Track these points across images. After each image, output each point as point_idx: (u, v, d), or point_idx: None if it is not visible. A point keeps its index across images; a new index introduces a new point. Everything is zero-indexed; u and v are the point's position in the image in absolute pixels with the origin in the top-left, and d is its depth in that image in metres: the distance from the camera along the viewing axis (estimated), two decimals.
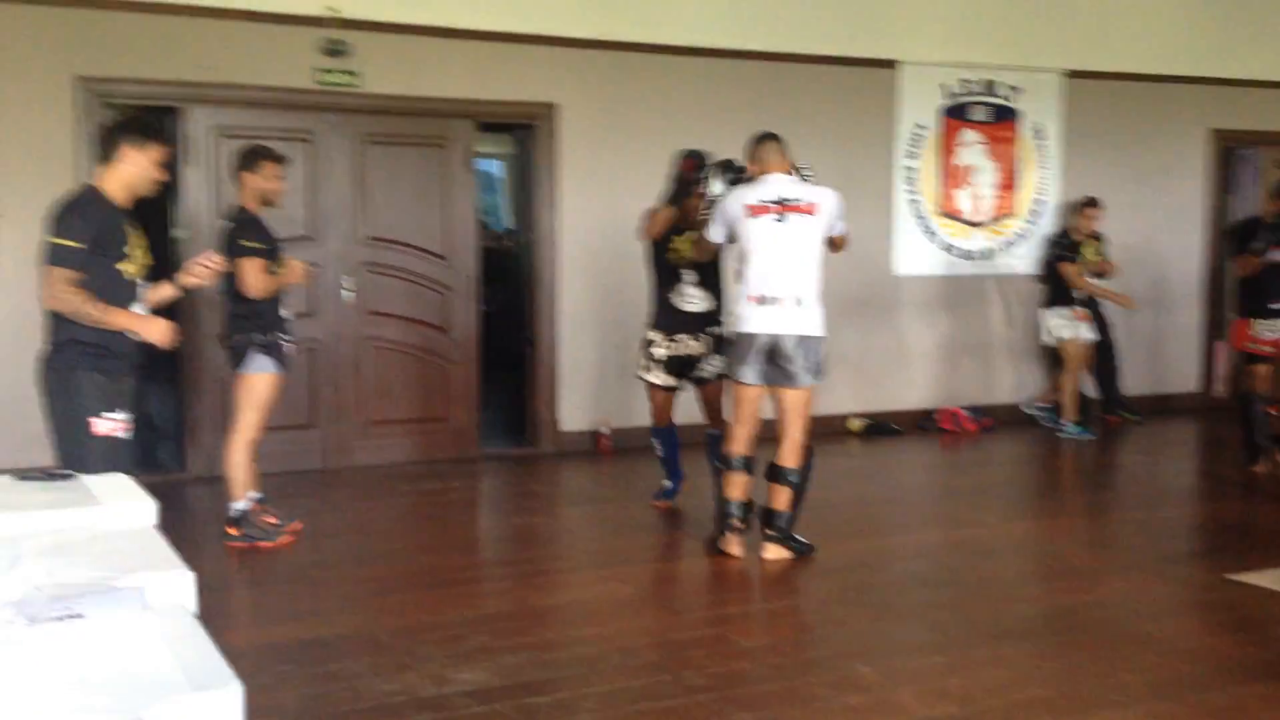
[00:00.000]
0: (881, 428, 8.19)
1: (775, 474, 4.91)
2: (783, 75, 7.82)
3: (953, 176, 8.48)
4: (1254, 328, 6.69)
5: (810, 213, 4.81)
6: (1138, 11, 8.75)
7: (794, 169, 5.00)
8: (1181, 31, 8.88)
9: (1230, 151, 9.36)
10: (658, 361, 5.62)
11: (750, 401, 4.95)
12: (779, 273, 4.79)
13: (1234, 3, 9.02)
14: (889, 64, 8.16)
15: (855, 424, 8.21)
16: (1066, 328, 8.16)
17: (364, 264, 6.99)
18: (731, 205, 4.91)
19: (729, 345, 5.07)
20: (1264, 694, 3.38)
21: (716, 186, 5.21)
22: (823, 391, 8.03)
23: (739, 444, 4.97)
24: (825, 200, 4.86)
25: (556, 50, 7.23)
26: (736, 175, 5.20)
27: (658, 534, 5.49)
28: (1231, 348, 7.16)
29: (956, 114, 8.42)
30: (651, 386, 5.69)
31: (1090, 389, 8.60)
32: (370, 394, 7.00)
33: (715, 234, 5.03)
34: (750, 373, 4.85)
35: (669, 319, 5.60)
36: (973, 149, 8.51)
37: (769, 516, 4.93)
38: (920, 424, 8.37)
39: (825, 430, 7.98)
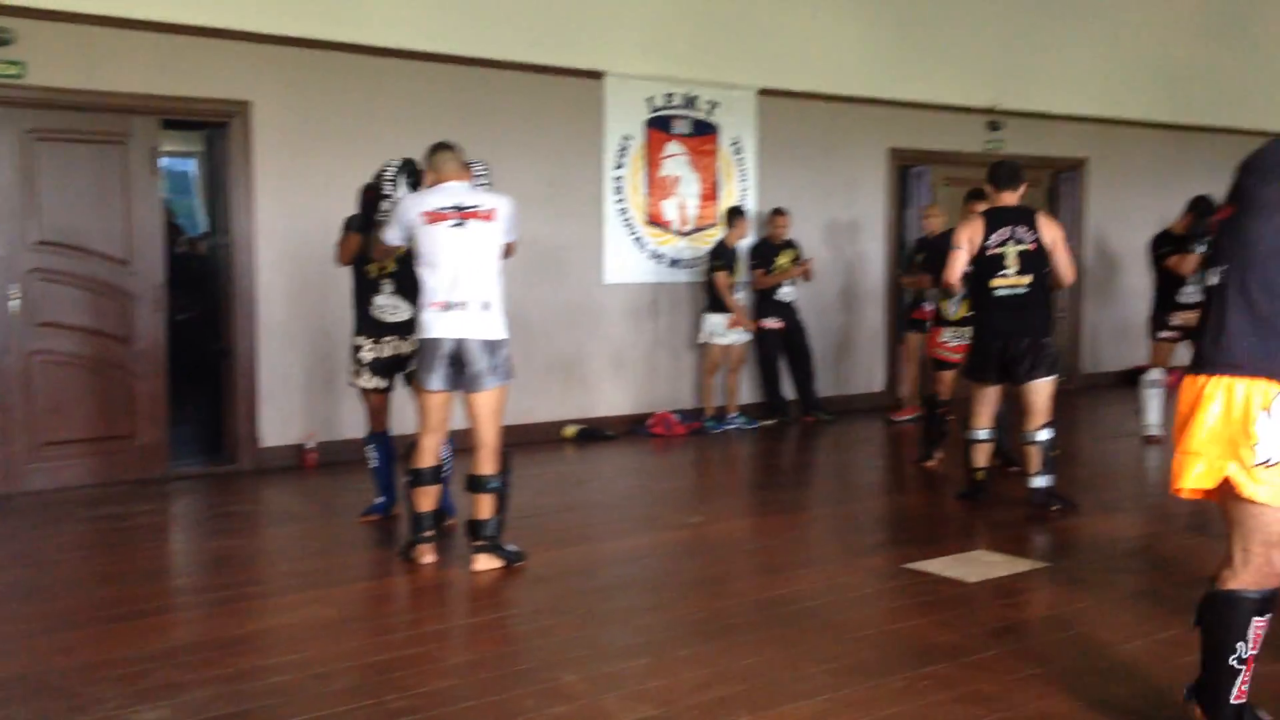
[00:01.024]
0: (595, 434, 8.30)
1: (475, 483, 4.89)
2: (491, 82, 7.79)
3: (659, 187, 8.72)
4: (943, 335, 7.15)
5: (489, 219, 4.85)
6: (821, 36, 9.31)
7: (471, 175, 5.03)
8: (861, 56, 9.53)
9: (906, 169, 10.13)
10: (365, 365, 5.54)
11: (438, 409, 4.92)
12: (462, 278, 4.78)
13: (906, 31, 9.77)
14: (596, 75, 8.30)
15: (569, 431, 8.29)
16: (722, 333, 8.62)
17: (33, 271, 6.41)
18: (408, 210, 4.86)
19: (415, 352, 5.01)
20: (937, 674, 3.64)
21: (393, 188, 5.17)
22: (536, 399, 8.17)
23: (427, 456, 4.94)
24: (502, 207, 4.91)
25: (250, 46, 6.89)
26: (417, 178, 5.17)
27: (364, 552, 5.31)
28: (925, 353, 7.67)
29: (661, 126, 8.67)
30: (363, 391, 5.61)
31: (720, 388, 9.04)
32: (41, 412, 6.43)
33: (392, 236, 4.97)
34: (436, 379, 4.82)
35: (372, 326, 5.50)
36: (677, 160, 8.79)
37: (475, 527, 4.89)
38: (633, 429, 8.55)
39: (539, 438, 8.05)
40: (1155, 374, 7.99)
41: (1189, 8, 11.64)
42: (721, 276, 8.57)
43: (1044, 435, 5.80)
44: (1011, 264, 5.78)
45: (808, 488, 7.24)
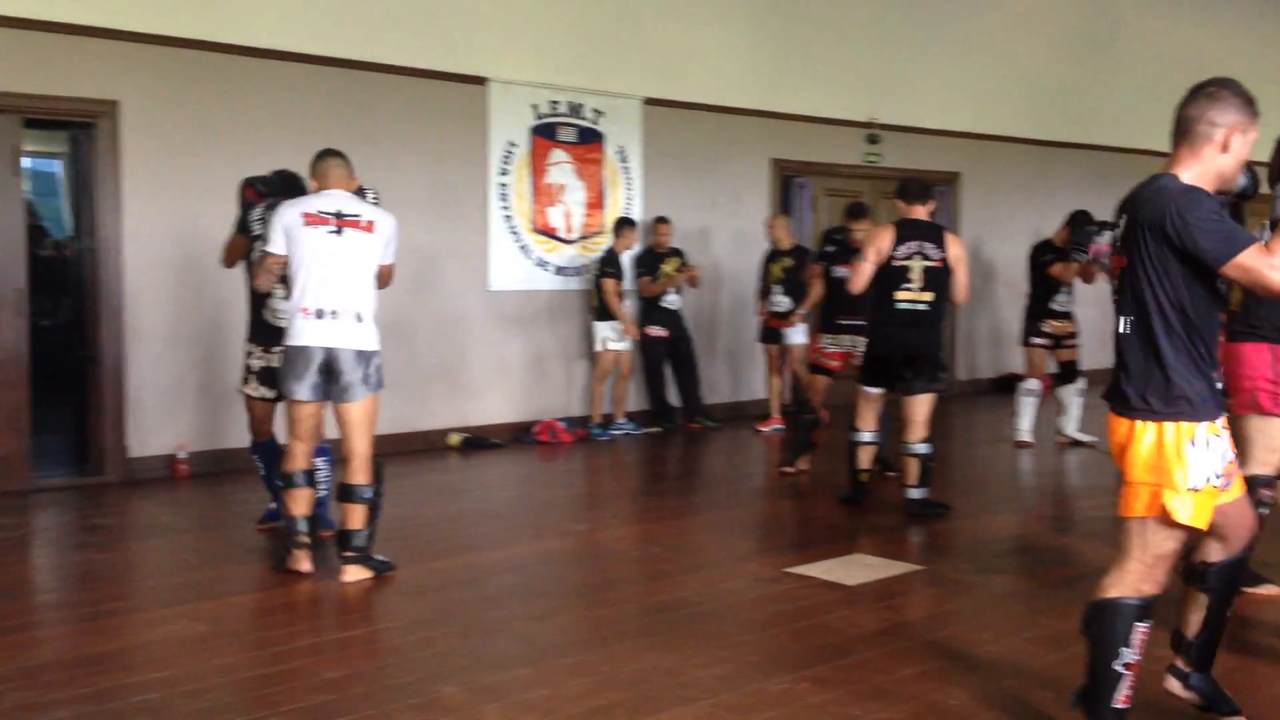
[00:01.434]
0: (480, 442, 8.23)
1: (346, 493, 4.82)
2: (372, 86, 7.67)
3: (545, 194, 8.70)
4: (821, 341, 7.29)
5: (369, 231, 4.79)
6: (706, 48, 9.41)
7: (360, 190, 4.98)
8: (745, 68, 9.67)
9: (789, 179, 10.29)
10: (254, 373, 5.42)
11: (308, 418, 4.84)
12: (336, 286, 4.71)
13: (788, 45, 9.94)
14: (480, 81, 8.24)
15: (453, 439, 8.20)
16: (614, 340, 8.65)
17: None
18: (285, 213, 4.76)
19: (282, 359, 4.89)
20: (818, 676, 3.69)
21: (262, 227, 5.13)
22: (419, 407, 8.06)
23: (298, 460, 4.87)
24: (383, 222, 4.85)
25: (118, 44, 6.66)
26: (294, 188, 5.12)
27: (236, 565, 5.16)
28: (807, 359, 7.79)
29: (546, 133, 8.65)
30: (249, 399, 5.49)
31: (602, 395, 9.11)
32: None
33: (275, 245, 4.79)
34: (304, 389, 4.74)
35: (264, 333, 5.37)
36: (563, 168, 8.78)
37: (344, 538, 4.82)
38: (519, 437, 8.50)
39: (422, 447, 7.95)
40: (1032, 384, 8.28)
41: (1056, 30, 12.11)
42: (610, 284, 8.59)
43: (922, 448, 5.94)
44: (916, 278, 5.86)
45: (692, 494, 7.29)
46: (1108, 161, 12.43)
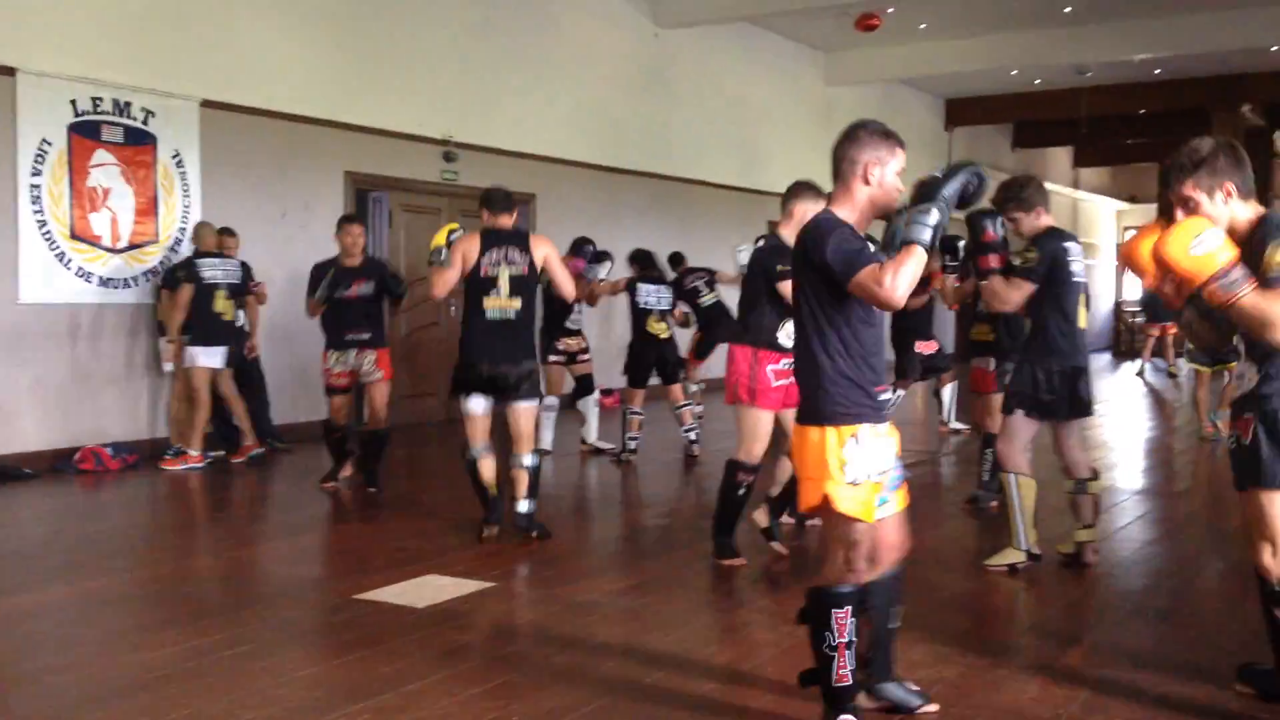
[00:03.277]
0: (9, 472, 7.32)
1: None
2: None
3: (86, 198, 7.92)
4: (329, 361, 7.09)
5: None
6: (269, 52, 9.01)
7: None
8: (314, 76, 9.36)
9: (365, 193, 10.08)
10: None
11: None
12: None
13: (363, 56, 9.75)
14: (9, 71, 7.37)
15: None
16: (191, 358, 8.04)
17: None
18: None
19: None
20: (380, 706, 3.57)
21: None
22: None
23: None
24: None
25: None
26: None
27: None
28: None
29: (89, 133, 7.89)
30: None
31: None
32: None
33: None
34: None
35: None
36: (108, 170, 8.05)
37: None
38: (58, 465, 7.66)
39: None
40: (551, 400, 8.67)
41: (620, 64, 12.80)
42: (168, 297, 7.96)
43: (531, 460, 5.82)
44: (503, 286, 5.74)
45: (259, 521, 6.89)
46: (669, 189, 13.30)
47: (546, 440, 8.64)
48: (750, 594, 5.10)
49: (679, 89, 13.60)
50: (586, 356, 8.84)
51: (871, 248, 3.14)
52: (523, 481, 5.85)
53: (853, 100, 16.94)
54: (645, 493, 7.83)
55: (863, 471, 3.13)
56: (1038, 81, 17.97)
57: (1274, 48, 15.02)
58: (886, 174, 3.20)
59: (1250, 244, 3.22)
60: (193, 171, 8.54)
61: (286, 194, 9.28)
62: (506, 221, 5.91)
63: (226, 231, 8.41)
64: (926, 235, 3.02)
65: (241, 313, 8.45)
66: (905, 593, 3.59)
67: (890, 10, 13.46)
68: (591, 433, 9.02)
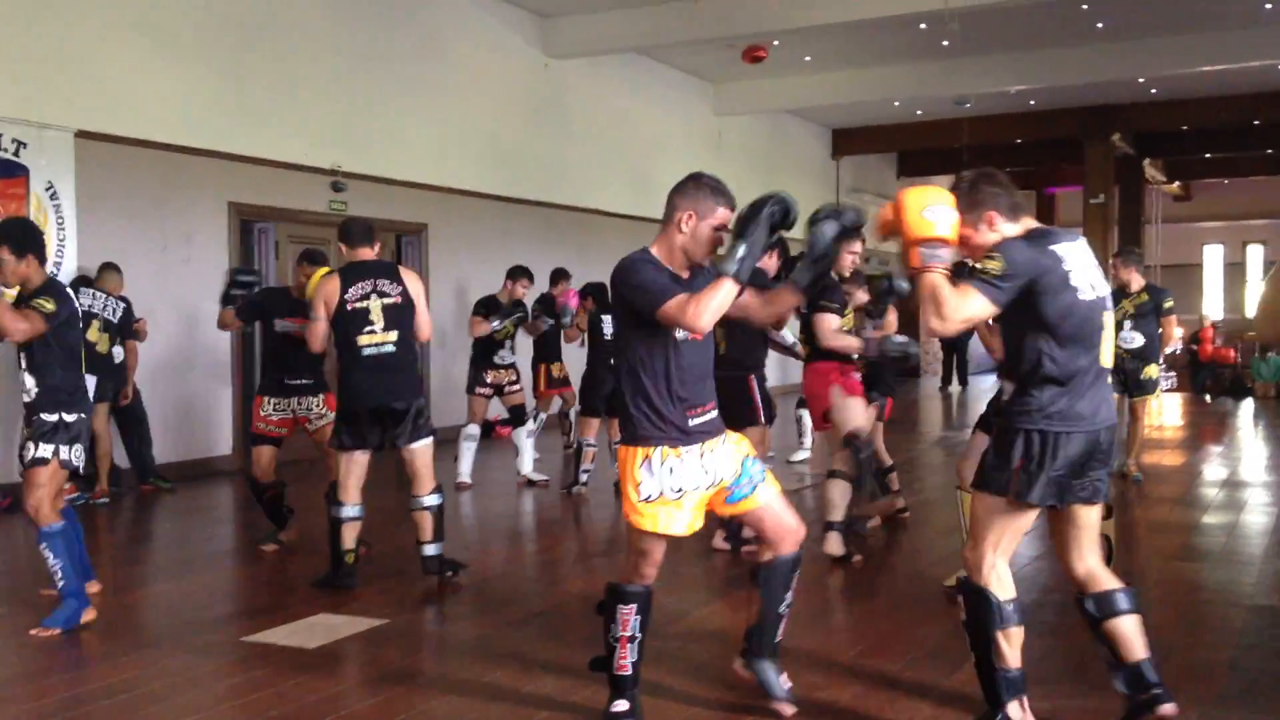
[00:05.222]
0: None
1: None
2: None
3: None
4: (264, 408, 6.44)
5: None
6: (147, 82, 8.77)
7: None
8: (194, 106, 9.13)
9: (250, 224, 9.86)
10: None
11: None
12: None
13: (245, 86, 9.56)
14: None
15: None
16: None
17: None
18: None
19: None
20: None
21: None
22: None
23: None
24: None
25: None
26: None
27: None
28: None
29: None
30: None
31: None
32: None
33: None
34: None
35: None
36: None
37: None
38: None
39: None
40: (473, 429, 8.56)
41: (511, 93, 12.78)
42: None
43: (433, 500, 5.54)
44: (377, 318, 5.43)
45: (140, 564, 6.63)
46: (562, 219, 13.30)
47: (464, 470, 8.49)
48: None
49: (571, 118, 13.64)
50: (517, 387, 8.67)
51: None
52: (427, 524, 5.55)
53: (741, 130, 17.21)
54: (568, 524, 7.73)
55: (655, 489, 3.42)
56: (920, 112, 18.50)
57: (1142, 79, 15.72)
58: (701, 227, 3.42)
59: None
60: (68, 204, 8.24)
61: (167, 226, 9.03)
62: (368, 253, 5.61)
63: (111, 267, 8.12)
64: (733, 267, 3.26)
65: (120, 349, 8.15)
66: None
67: (776, 43, 13.72)
68: (526, 464, 8.78)
